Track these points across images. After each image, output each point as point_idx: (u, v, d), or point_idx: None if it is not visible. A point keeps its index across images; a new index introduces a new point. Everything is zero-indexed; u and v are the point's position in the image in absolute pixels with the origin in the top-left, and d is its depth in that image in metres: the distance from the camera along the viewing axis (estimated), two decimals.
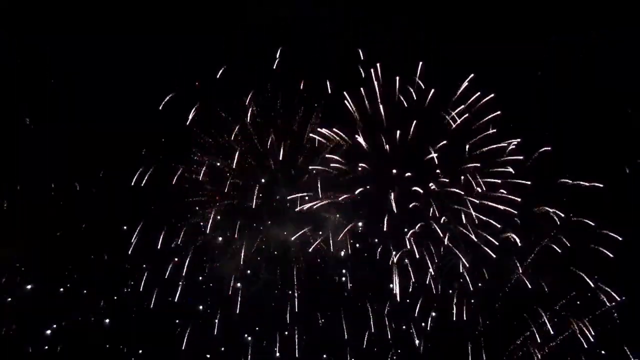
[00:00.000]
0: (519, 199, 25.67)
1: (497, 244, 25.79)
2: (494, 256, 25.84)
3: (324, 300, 26.92)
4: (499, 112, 26.18)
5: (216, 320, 25.95)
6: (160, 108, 25.43)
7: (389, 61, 26.05)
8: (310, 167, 26.16)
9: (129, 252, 25.61)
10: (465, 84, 26.29)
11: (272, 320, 26.58)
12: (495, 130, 26.30)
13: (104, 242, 26.49)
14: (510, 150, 26.27)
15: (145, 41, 26.59)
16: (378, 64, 25.84)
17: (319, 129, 26.12)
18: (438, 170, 26.20)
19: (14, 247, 25.71)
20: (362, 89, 25.84)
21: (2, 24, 26.67)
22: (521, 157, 26.25)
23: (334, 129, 26.04)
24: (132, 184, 25.35)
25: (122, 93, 26.50)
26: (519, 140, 26.20)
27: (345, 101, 25.72)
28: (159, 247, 25.50)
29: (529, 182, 26.01)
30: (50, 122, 27.06)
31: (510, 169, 26.08)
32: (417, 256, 25.80)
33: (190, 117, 25.36)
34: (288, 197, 25.96)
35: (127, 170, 25.51)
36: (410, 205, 26.01)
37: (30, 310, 25.83)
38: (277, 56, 25.57)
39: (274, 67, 25.69)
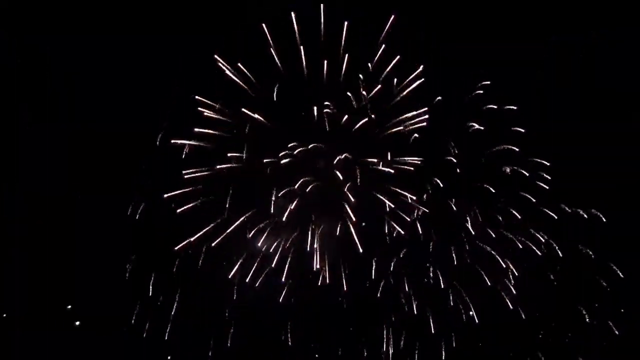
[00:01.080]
0: (542, 238, 24.89)
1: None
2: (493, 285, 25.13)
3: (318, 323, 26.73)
4: (522, 130, 25.38)
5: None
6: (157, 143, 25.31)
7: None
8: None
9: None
10: (480, 91, 25.74)
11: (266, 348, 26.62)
12: (517, 149, 25.42)
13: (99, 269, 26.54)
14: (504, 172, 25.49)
15: (145, 41, 26.60)
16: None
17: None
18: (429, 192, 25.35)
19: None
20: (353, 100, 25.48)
21: (2, 24, 26.68)
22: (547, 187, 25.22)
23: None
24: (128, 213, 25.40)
25: (122, 93, 26.58)
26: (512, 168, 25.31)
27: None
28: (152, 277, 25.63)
29: (555, 216, 24.91)
30: (50, 122, 27.11)
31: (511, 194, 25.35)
32: (406, 287, 25.39)
33: (184, 155, 24.91)
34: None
35: (124, 196, 25.64)
36: (398, 232, 25.10)
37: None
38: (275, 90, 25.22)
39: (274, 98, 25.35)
